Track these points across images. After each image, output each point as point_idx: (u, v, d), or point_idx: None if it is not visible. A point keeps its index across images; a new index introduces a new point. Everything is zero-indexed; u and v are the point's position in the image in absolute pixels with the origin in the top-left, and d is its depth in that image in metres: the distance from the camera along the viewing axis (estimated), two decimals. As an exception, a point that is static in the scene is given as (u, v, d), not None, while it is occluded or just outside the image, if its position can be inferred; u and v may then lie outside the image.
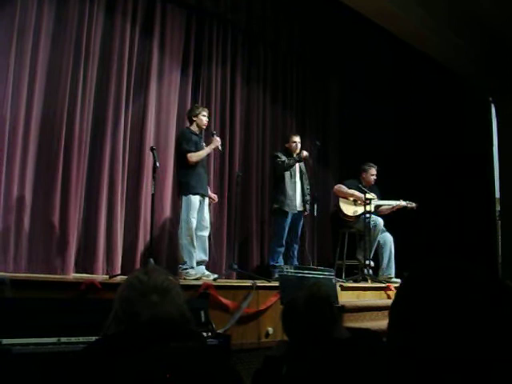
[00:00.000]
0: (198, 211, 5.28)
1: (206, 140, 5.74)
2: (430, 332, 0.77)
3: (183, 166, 5.33)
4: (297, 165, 6.25)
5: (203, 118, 5.52)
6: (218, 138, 5.55)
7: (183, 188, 5.29)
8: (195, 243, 5.21)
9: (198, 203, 5.27)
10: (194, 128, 5.50)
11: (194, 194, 5.24)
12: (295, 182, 6.19)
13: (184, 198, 5.24)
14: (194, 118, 5.50)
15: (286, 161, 6.11)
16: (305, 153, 6.16)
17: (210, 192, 5.67)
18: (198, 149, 5.36)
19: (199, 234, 5.31)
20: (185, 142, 5.32)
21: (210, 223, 5.56)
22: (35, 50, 4.97)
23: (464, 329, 0.75)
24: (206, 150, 5.47)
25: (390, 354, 0.84)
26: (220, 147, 5.61)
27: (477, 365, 0.73)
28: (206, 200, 5.45)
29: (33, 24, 4.96)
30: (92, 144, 5.43)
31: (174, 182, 6.03)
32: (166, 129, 6.07)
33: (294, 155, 6.18)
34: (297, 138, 6.30)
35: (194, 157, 5.29)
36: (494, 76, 8.26)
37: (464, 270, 0.82)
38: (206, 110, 5.65)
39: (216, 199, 5.86)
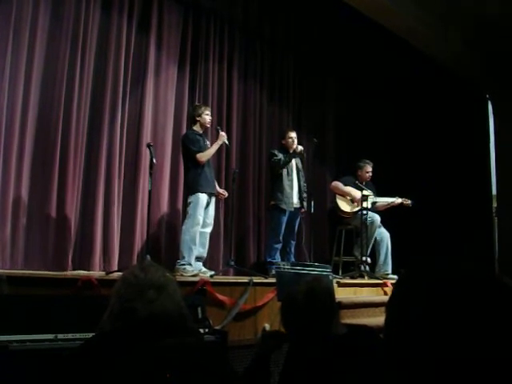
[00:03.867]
0: (205, 209, 5.32)
1: (207, 137, 5.75)
2: (426, 328, 0.77)
3: (191, 167, 5.36)
4: (293, 162, 6.25)
5: (206, 116, 5.53)
6: (223, 133, 5.56)
7: (192, 187, 5.34)
8: (197, 240, 5.24)
9: (205, 201, 5.32)
10: (197, 128, 5.52)
11: (202, 192, 5.29)
12: (292, 180, 6.19)
13: (193, 196, 5.29)
14: (198, 118, 5.51)
15: (282, 158, 6.11)
16: (300, 147, 6.16)
17: (218, 188, 5.71)
18: (203, 148, 5.37)
19: (202, 230, 5.35)
20: (191, 144, 5.34)
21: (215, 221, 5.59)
22: (31, 46, 4.96)
23: (460, 326, 0.75)
24: (213, 148, 5.49)
25: (387, 350, 0.84)
26: (227, 142, 5.62)
27: (473, 361, 0.73)
28: (213, 199, 5.50)
29: (29, 20, 4.94)
30: (89, 140, 5.42)
31: (171, 178, 6.04)
32: (162, 125, 6.07)
33: (291, 151, 6.18)
34: (293, 134, 6.29)
35: (203, 156, 5.33)
36: (490, 73, 8.26)
37: (460, 267, 0.82)
38: (208, 108, 5.66)
39: (226, 194, 5.87)
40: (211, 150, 5.45)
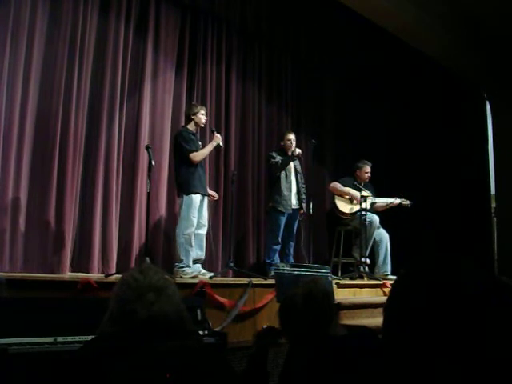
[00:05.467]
0: (198, 210, 5.28)
1: (202, 138, 5.74)
2: (424, 329, 0.77)
3: (183, 166, 5.31)
4: (292, 164, 6.23)
5: (202, 116, 5.50)
6: (218, 135, 5.53)
7: (184, 188, 5.27)
8: (193, 242, 5.20)
9: (198, 202, 5.26)
10: (191, 127, 5.48)
11: (195, 193, 5.24)
12: (291, 182, 6.18)
13: (185, 197, 5.23)
14: (193, 117, 5.47)
15: (280, 161, 6.10)
16: (298, 150, 6.15)
17: (208, 190, 5.67)
18: (196, 148, 5.35)
19: (197, 232, 5.31)
20: (185, 143, 5.29)
21: (208, 221, 5.56)
22: (29, 49, 4.96)
23: (459, 326, 0.75)
24: (208, 148, 5.46)
25: (386, 351, 0.84)
26: (221, 144, 5.60)
27: (472, 361, 0.73)
28: (206, 199, 5.45)
29: (27, 23, 4.95)
30: (87, 143, 5.42)
31: (169, 180, 6.02)
32: (160, 128, 6.06)
33: (289, 153, 6.17)
34: (291, 136, 6.28)
35: (197, 156, 5.28)
36: (489, 73, 8.27)
37: (459, 267, 0.82)
38: (204, 108, 5.63)
39: (216, 196, 5.86)
40: (205, 151, 5.42)
